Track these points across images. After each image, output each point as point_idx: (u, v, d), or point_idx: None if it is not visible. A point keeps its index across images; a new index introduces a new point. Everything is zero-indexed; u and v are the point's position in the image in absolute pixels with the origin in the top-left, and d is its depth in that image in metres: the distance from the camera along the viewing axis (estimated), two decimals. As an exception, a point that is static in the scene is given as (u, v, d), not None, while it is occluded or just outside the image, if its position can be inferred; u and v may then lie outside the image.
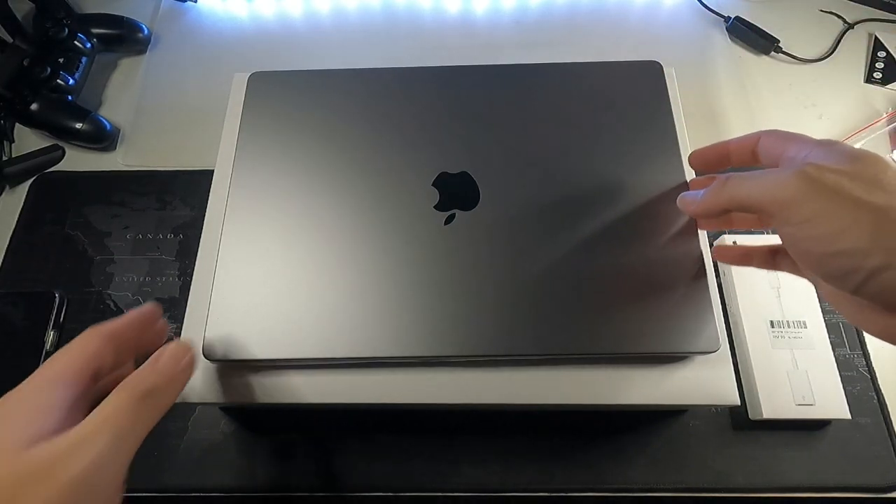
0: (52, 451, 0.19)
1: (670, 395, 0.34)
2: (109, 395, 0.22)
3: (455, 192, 0.37)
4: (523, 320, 0.34)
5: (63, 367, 0.21)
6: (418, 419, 0.41)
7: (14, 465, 0.18)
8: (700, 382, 0.34)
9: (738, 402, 0.34)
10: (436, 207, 0.37)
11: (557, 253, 0.35)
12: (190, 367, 0.26)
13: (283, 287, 0.35)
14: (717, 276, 0.44)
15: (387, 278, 0.35)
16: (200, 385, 0.34)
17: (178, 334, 0.36)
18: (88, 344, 0.23)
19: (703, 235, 0.36)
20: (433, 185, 0.38)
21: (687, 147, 0.39)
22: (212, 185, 0.40)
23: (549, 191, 0.37)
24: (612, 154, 0.38)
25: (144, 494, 0.40)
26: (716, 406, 0.41)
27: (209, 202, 0.39)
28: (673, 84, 0.41)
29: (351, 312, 0.34)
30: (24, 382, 0.21)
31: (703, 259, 0.35)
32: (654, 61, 0.42)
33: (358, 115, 0.40)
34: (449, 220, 0.36)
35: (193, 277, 0.37)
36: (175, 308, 0.45)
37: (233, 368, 0.34)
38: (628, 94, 0.41)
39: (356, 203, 0.37)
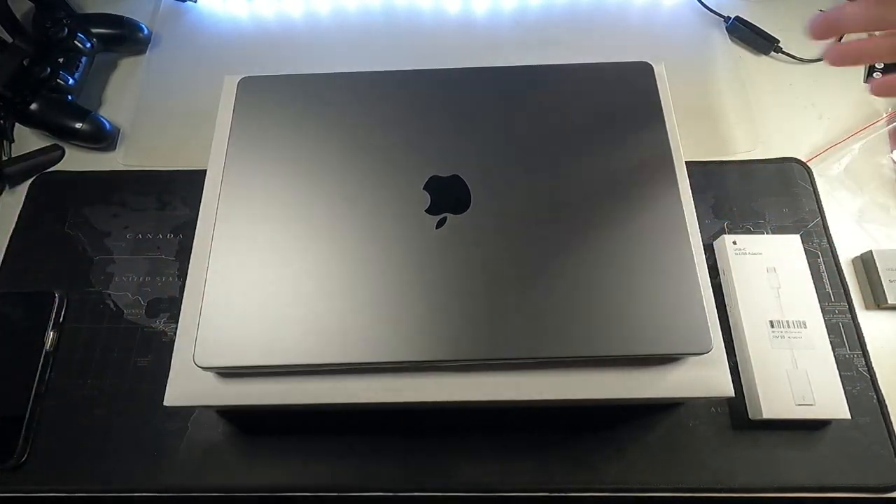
0: None
1: (666, 389, 0.34)
2: None
3: (446, 196, 0.37)
4: (513, 325, 0.33)
5: None
6: (417, 419, 0.41)
7: None
8: (695, 375, 0.34)
9: (732, 394, 0.34)
10: (427, 211, 0.37)
11: (549, 256, 0.35)
12: None
13: (273, 293, 0.34)
14: (717, 276, 0.44)
15: (377, 282, 0.35)
16: (197, 389, 0.34)
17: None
18: None
19: (695, 236, 0.36)
20: (424, 188, 0.37)
21: (679, 146, 0.39)
22: (203, 191, 0.40)
23: (541, 193, 0.37)
24: (604, 156, 0.38)
25: (144, 494, 0.40)
26: (713, 400, 0.41)
27: (200, 208, 0.39)
28: (664, 83, 0.41)
29: (341, 317, 0.34)
30: None
31: (694, 259, 0.35)
32: (644, 62, 0.42)
33: (348, 118, 0.40)
34: (440, 223, 0.36)
35: (186, 284, 0.37)
36: (175, 308, 0.45)
37: (228, 373, 0.34)
38: (619, 95, 0.41)
39: (347, 207, 0.37)
